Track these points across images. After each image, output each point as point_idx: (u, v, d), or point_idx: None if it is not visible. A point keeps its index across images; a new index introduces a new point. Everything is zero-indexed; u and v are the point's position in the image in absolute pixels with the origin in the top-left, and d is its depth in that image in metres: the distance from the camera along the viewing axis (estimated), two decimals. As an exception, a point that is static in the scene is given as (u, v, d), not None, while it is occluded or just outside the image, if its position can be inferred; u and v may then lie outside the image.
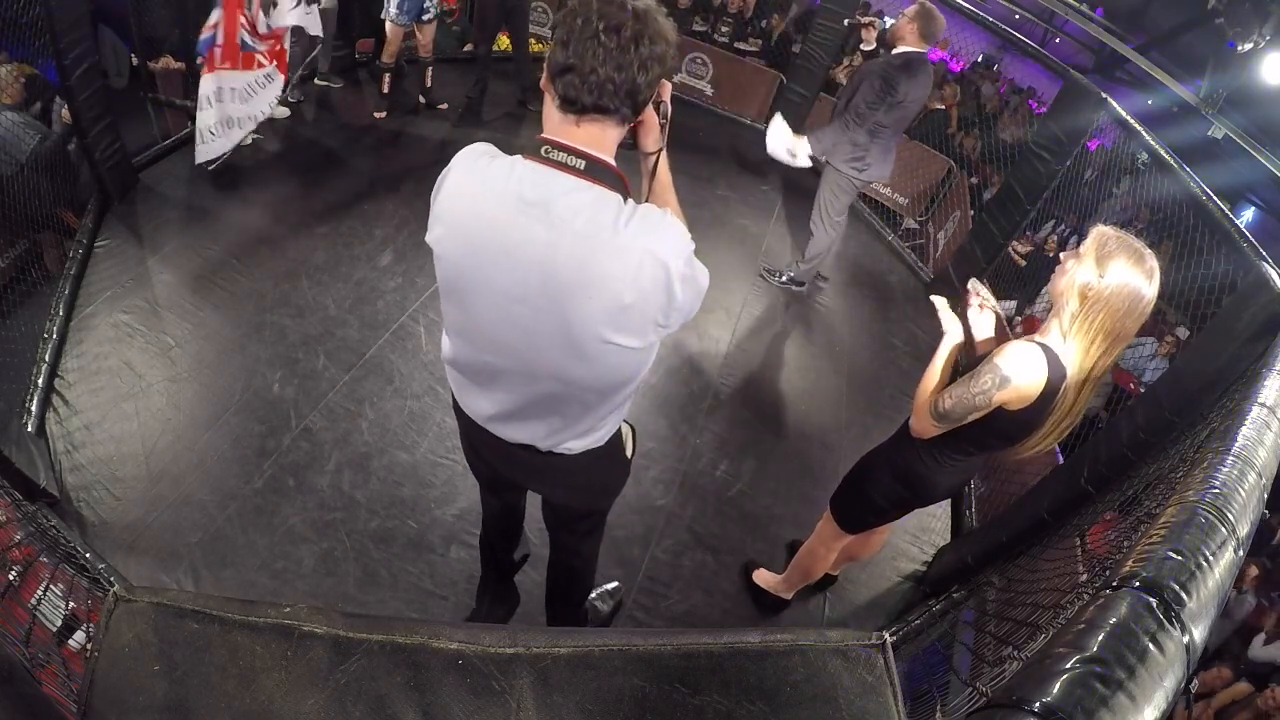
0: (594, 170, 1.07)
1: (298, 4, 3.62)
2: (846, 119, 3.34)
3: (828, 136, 3.43)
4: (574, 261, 1.04)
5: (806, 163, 3.58)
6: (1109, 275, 1.46)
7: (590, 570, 1.98)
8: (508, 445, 1.39)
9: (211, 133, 3.47)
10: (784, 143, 3.55)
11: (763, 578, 2.51)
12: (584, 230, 1.04)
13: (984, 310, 1.79)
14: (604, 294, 1.05)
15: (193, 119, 3.94)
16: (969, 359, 1.74)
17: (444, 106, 4.83)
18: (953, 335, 1.75)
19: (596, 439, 1.38)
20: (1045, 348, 1.51)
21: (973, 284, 1.82)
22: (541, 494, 1.66)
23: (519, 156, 1.10)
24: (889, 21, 3.61)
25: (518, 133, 4.85)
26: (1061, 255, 1.58)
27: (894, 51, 3.23)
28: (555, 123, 1.09)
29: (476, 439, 1.47)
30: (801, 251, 4.05)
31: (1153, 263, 1.48)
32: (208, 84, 3.34)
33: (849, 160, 3.40)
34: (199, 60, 3.38)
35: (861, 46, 3.56)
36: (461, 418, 1.47)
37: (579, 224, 1.04)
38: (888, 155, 3.45)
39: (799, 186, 5.31)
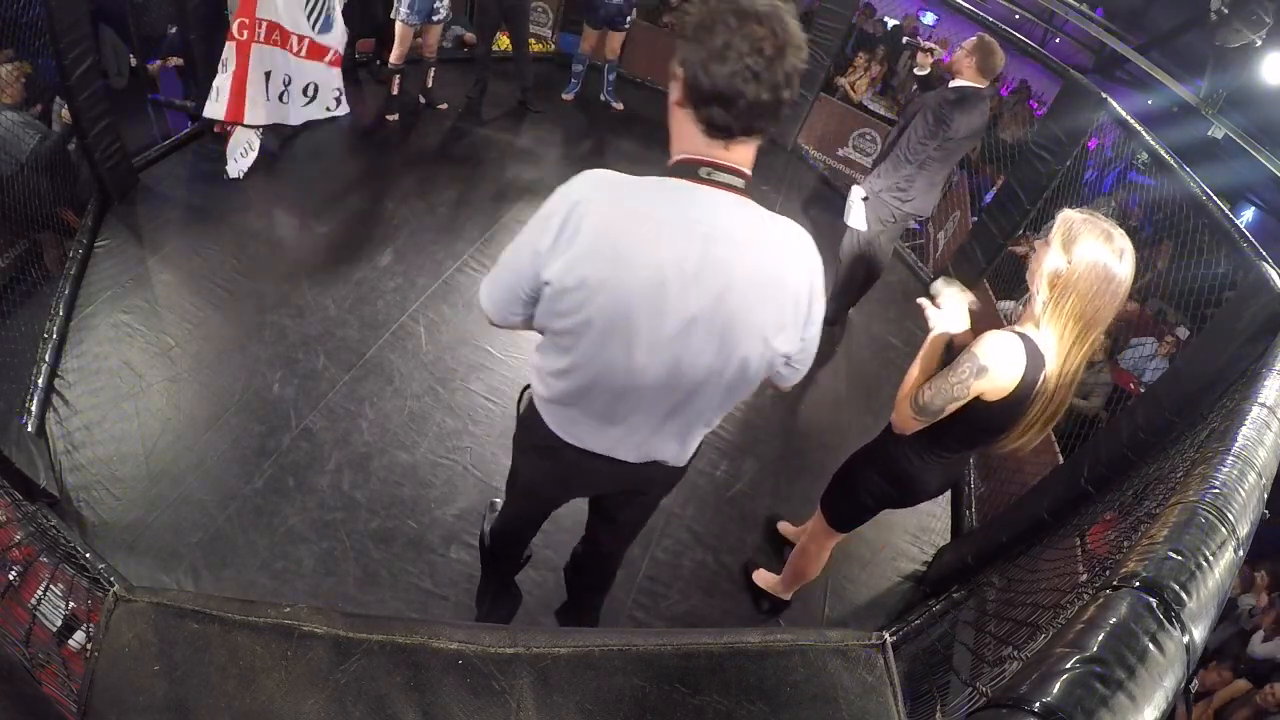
0: (748, 186, 1.11)
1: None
2: (899, 156, 3.23)
3: (881, 179, 3.32)
4: (752, 273, 1.10)
5: (860, 221, 3.39)
6: (1076, 258, 1.44)
7: (622, 556, 1.97)
8: (620, 465, 1.39)
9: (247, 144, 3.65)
10: (850, 201, 3.43)
11: (762, 578, 2.51)
12: (757, 246, 1.10)
13: (955, 305, 1.78)
14: (776, 299, 1.13)
15: (194, 118, 3.96)
16: (951, 354, 1.73)
17: (444, 106, 4.83)
18: (938, 331, 1.74)
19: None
20: (1024, 337, 1.50)
21: (937, 285, 1.82)
22: (628, 509, 1.66)
23: (670, 180, 1.10)
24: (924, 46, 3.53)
25: (518, 133, 4.85)
26: (1035, 243, 1.57)
27: (950, 85, 3.13)
28: (702, 144, 1.09)
29: (571, 468, 1.43)
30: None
31: (1123, 242, 1.45)
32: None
33: (893, 191, 3.29)
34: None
35: (916, 71, 3.48)
36: (549, 453, 1.42)
37: (750, 240, 1.10)
38: (932, 190, 3.33)
39: (799, 187, 5.32)
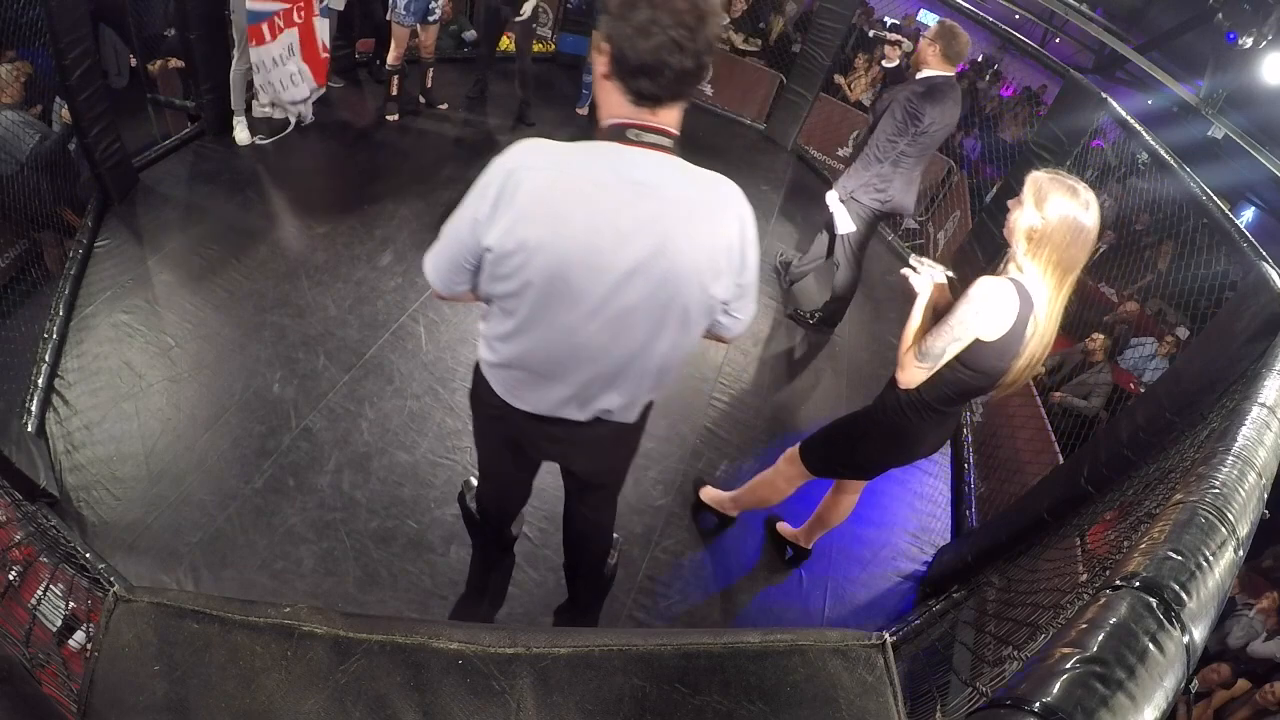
0: (675, 145, 1.16)
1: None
2: (869, 155, 3.15)
3: (852, 179, 3.24)
4: (685, 224, 1.15)
5: (846, 225, 3.31)
6: (1048, 214, 1.58)
7: (611, 527, 2.00)
8: (570, 426, 1.42)
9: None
10: (831, 209, 3.38)
11: (710, 495, 2.61)
12: (686, 198, 1.16)
13: (934, 276, 1.90)
14: (709, 247, 1.18)
15: (193, 119, 3.97)
16: (935, 316, 1.83)
17: (444, 106, 4.83)
18: (924, 296, 1.87)
19: (650, 402, 1.51)
20: (1014, 281, 1.63)
21: (914, 261, 1.93)
22: (589, 470, 1.70)
23: (600, 143, 1.15)
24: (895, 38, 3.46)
25: (517, 132, 4.84)
26: (1009, 203, 1.69)
27: (917, 77, 3.03)
28: (630, 110, 1.14)
29: (522, 433, 1.49)
30: (828, 288, 3.83)
31: (1088, 195, 1.59)
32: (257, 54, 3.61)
33: (869, 192, 3.21)
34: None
35: (884, 63, 3.42)
36: (500, 421, 1.47)
37: (680, 193, 1.16)
38: (911, 186, 3.26)
39: (799, 186, 5.31)
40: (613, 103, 1.14)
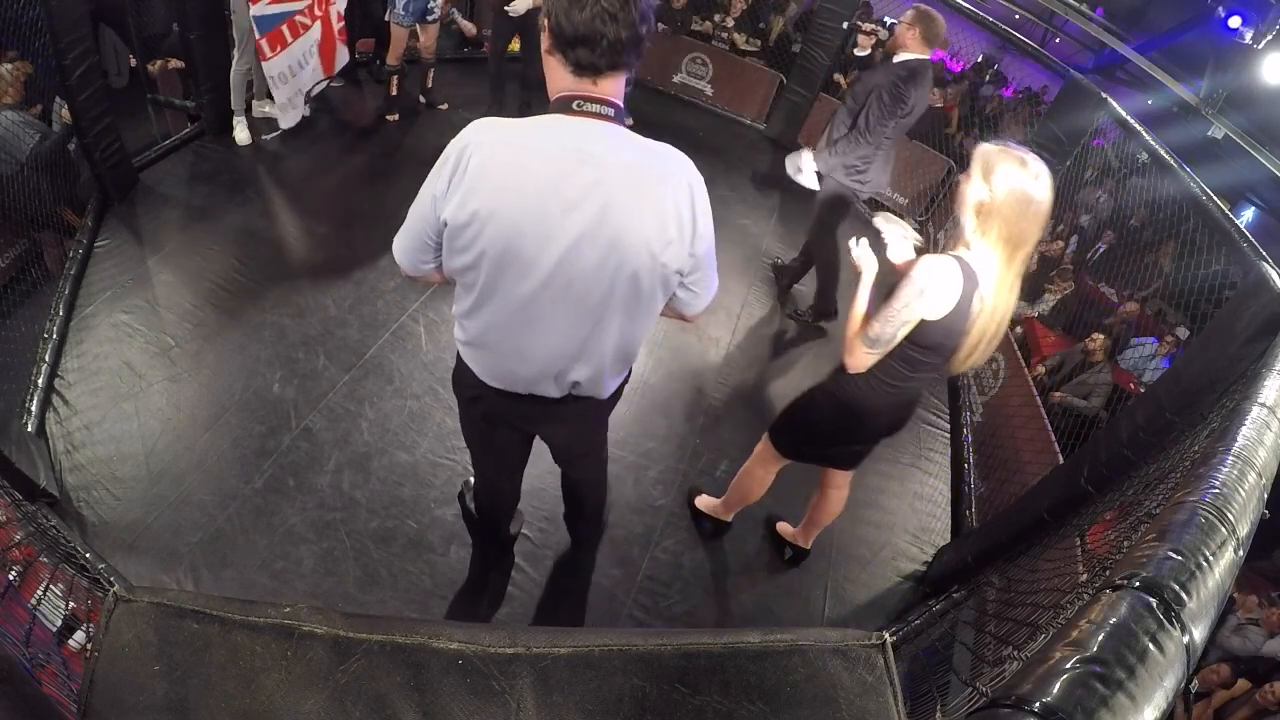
0: (619, 115, 1.20)
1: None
2: (857, 138, 3.19)
3: (837, 154, 3.28)
4: (628, 190, 1.18)
5: (813, 181, 3.41)
6: (996, 186, 1.54)
7: (604, 481, 2.04)
8: (546, 404, 1.45)
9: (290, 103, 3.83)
10: (795, 161, 3.45)
11: (704, 502, 2.62)
12: (629, 164, 1.18)
13: (899, 245, 1.86)
14: (656, 213, 1.19)
15: (193, 119, 3.97)
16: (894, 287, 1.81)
17: (444, 106, 4.82)
18: (869, 271, 1.84)
19: (623, 378, 1.53)
20: (957, 258, 1.59)
21: (878, 222, 1.89)
22: (566, 443, 1.74)
23: (546, 115, 1.19)
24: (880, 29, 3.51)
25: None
26: (961, 177, 1.66)
27: (895, 60, 3.08)
28: (572, 82, 1.18)
29: (500, 411, 1.52)
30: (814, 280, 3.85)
31: (1038, 167, 1.55)
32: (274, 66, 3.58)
33: (850, 175, 3.27)
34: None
35: (855, 51, 3.45)
36: (479, 401, 1.51)
37: (623, 160, 1.18)
38: (886, 165, 3.35)
39: (799, 187, 5.30)
40: (557, 76, 1.20)
